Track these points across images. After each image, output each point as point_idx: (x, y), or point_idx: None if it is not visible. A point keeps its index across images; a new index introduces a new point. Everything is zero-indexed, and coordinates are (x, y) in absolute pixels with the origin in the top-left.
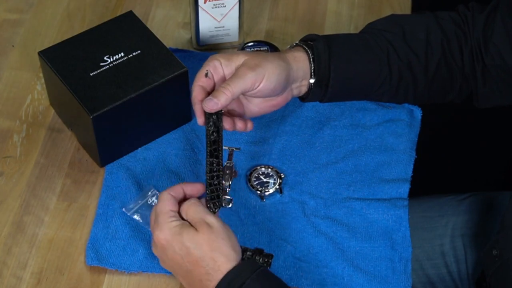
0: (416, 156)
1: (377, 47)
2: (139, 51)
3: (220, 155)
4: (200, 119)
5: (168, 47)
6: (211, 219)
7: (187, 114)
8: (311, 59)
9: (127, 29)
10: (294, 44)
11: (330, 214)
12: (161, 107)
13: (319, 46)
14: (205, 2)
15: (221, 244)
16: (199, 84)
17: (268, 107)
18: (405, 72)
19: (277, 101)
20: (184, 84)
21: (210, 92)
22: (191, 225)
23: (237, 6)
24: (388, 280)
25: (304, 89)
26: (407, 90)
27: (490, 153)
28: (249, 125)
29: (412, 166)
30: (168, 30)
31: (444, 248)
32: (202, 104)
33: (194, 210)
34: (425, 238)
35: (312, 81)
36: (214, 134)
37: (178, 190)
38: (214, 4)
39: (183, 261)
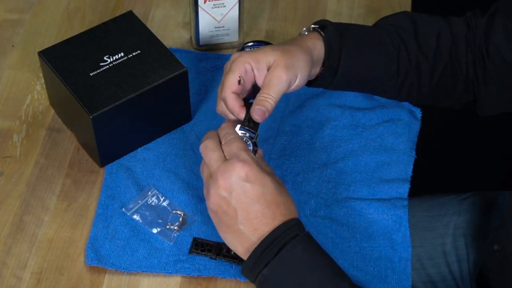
0: (416, 156)
1: (390, 43)
2: (139, 51)
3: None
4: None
5: (168, 47)
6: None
7: (187, 114)
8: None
9: (127, 29)
10: (311, 28)
11: (330, 214)
12: (161, 107)
13: (330, 33)
14: (205, 2)
15: (256, 208)
16: (234, 91)
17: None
18: (412, 72)
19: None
20: (184, 84)
21: (244, 98)
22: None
23: (237, 6)
24: (388, 280)
25: (314, 74)
26: (411, 90)
27: (491, 153)
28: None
29: (412, 166)
30: (168, 30)
31: (445, 248)
32: (252, 115)
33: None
34: (426, 238)
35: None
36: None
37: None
38: (214, 4)
39: (236, 221)
